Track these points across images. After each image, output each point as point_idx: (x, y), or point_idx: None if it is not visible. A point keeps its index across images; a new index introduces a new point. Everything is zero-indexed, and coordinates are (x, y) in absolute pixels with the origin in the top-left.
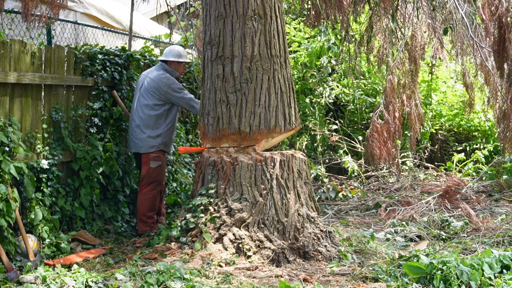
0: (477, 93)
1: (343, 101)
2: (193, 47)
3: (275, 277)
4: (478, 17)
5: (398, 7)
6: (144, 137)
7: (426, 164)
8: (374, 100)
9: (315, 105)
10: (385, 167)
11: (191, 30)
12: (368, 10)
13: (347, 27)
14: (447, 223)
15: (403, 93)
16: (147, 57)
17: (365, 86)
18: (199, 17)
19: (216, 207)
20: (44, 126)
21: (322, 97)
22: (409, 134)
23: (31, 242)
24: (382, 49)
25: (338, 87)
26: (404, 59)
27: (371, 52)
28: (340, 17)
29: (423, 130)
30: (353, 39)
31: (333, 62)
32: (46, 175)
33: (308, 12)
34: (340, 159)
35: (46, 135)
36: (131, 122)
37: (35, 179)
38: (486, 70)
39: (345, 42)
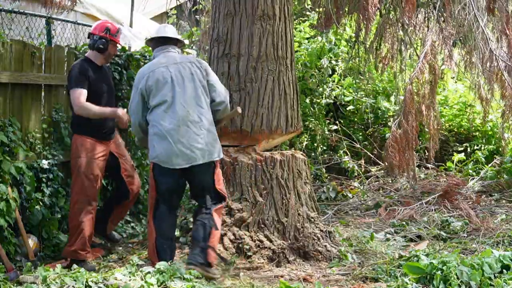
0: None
1: (343, 102)
2: (194, 46)
3: (275, 277)
4: (493, 29)
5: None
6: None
7: (426, 164)
8: (374, 101)
9: (315, 105)
10: (403, 177)
11: (198, 27)
12: (379, 18)
13: (358, 31)
14: (447, 223)
15: (422, 103)
16: (147, 57)
17: (365, 86)
18: (207, 14)
19: None
20: (44, 126)
21: (322, 97)
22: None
23: (31, 242)
24: (389, 54)
25: (338, 88)
26: (423, 69)
27: (378, 57)
28: (364, 24)
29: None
30: (363, 44)
31: (334, 62)
32: (46, 175)
33: (320, 15)
34: (340, 159)
35: (46, 135)
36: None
37: (35, 179)
38: (503, 83)
39: (354, 48)
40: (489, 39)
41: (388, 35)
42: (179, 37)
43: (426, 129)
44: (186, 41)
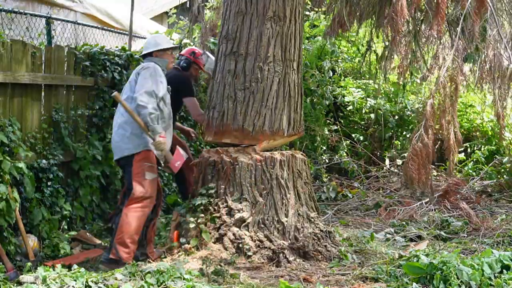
0: (479, 95)
1: (343, 102)
2: (195, 44)
3: (275, 277)
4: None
5: (421, 29)
6: None
7: None
8: (375, 101)
9: (315, 106)
10: (422, 191)
11: (199, 23)
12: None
13: (370, 41)
14: (447, 223)
15: (442, 117)
16: None
17: (365, 86)
18: (215, 10)
19: (216, 207)
20: (44, 126)
21: (323, 98)
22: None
23: (31, 242)
24: (401, 64)
25: (338, 88)
26: (445, 83)
27: (389, 66)
28: (392, 35)
29: None
30: (375, 53)
31: (334, 63)
32: (46, 175)
33: (333, 20)
34: (340, 159)
35: (46, 135)
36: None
37: (35, 179)
38: None
39: (365, 56)
40: (510, 56)
41: (401, 46)
42: (154, 48)
43: (451, 146)
44: (187, 40)
